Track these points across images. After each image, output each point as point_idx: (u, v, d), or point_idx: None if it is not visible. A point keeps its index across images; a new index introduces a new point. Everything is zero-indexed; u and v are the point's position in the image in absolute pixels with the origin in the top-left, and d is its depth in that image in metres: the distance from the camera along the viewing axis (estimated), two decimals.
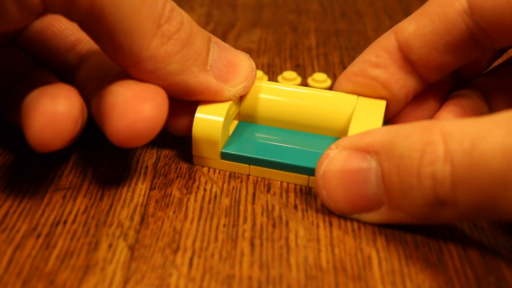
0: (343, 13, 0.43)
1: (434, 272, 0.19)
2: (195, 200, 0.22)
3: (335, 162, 0.20)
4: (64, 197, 0.22)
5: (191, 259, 0.19)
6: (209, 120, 0.23)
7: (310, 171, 0.23)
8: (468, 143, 0.17)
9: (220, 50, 0.23)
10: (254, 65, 0.24)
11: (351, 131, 0.22)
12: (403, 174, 0.19)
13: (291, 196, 0.23)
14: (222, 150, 0.23)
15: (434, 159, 0.18)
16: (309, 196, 0.23)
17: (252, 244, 0.20)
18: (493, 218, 0.20)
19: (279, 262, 0.19)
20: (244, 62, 0.24)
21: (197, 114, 0.23)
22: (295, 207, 0.22)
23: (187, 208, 0.22)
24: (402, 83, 0.24)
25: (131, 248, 0.20)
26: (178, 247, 0.20)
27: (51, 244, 0.20)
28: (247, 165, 0.23)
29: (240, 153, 0.23)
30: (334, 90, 0.25)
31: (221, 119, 0.23)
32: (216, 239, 0.20)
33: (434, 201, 0.18)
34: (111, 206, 0.22)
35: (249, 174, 0.24)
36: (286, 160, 0.23)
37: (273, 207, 0.22)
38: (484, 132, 0.17)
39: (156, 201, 0.22)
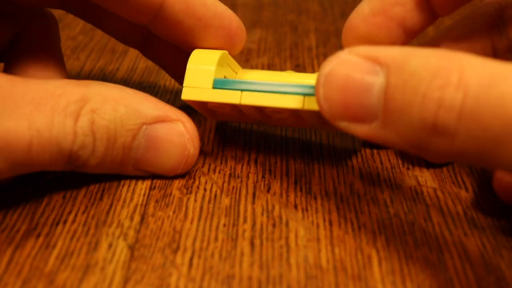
0: (343, 13, 0.43)
1: (434, 272, 0.19)
2: (195, 200, 0.22)
3: (343, 65, 0.19)
4: (64, 197, 0.22)
5: (191, 259, 0.19)
6: (208, 51, 0.24)
7: (306, 92, 0.21)
8: (487, 78, 0.16)
9: None
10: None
11: None
12: (408, 91, 0.18)
13: (291, 196, 0.23)
14: (215, 78, 0.23)
15: (446, 84, 0.17)
16: (309, 196, 0.23)
17: (252, 244, 0.20)
18: (485, 164, 0.19)
19: (279, 262, 0.19)
20: None
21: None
22: (295, 207, 0.22)
23: (187, 208, 0.22)
24: (417, 19, 0.23)
25: (131, 248, 0.20)
26: (178, 247, 0.20)
27: (51, 244, 0.20)
28: (239, 92, 0.22)
29: (233, 80, 0.23)
30: (345, 39, 0.24)
31: (220, 52, 0.24)
32: (216, 239, 0.20)
33: (430, 126, 0.17)
34: (111, 206, 0.22)
35: (240, 103, 0.22)
36: (280, 83, 0.22)
37: (273, 207, 0.22)
38: (507, 74, 0.16)
39: (156, 201, 0.22)
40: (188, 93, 0.23)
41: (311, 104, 0.21)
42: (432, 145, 0.18)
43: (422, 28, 0.24)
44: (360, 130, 0.19)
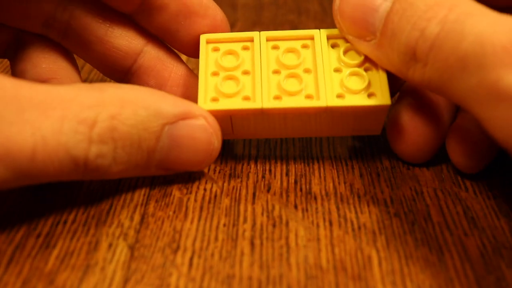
0: None
1: (434, 272, 0.19)
2: (195, 200, 0.22)
3: None
4: (64, 197, 0.22)
5: (191, 259, 0.19)
6: None
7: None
8: (462, 18, 0.19)
9: None
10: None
11: None
12: (403, 18, 0.20)
13: (291, 196, 0.23)
14: None
15: (432, 17, 0.19)
16: (309, 195, 0.23)
17: (252, 244, 0.20)
18: (444, 95, 0.21)
19: (279, 262, 0.19)
20: None
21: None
22: (295, 207, 0.22)
23: (187, 208, 0.22)
24: None
25: (131, 248, 0.20)
26: (178, 247, 0.20)
27: (51, 244, 0.20)
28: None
29: None
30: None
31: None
32: (216, 239, 0.20)
33: (411, 53, 0.20)
34: (111, 206, 0.22)
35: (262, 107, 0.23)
36: None
37: (273, 207, 0.22)
38: (478, 16, 0.19)
39: (156, 201, 0.22)
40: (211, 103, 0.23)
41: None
42: (410, 71, 0.21)
43: None
44: (361, 45, 0.23)
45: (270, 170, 0.24)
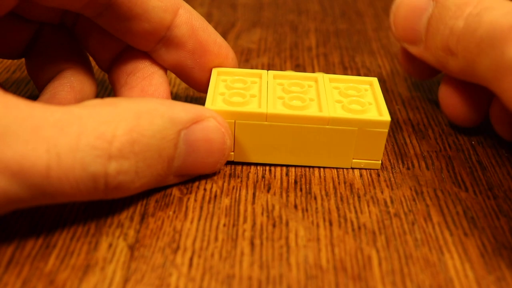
0: (343, 13, 0.43)
1: (434, 272, 0.19)
2: (195, 200, 0.22)
3: (403, 2, 0.26)
4: None
5: (191, 259, 0.19)
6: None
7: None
8: (482, 11, 0.22)
9: None
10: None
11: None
12: (439, 20, 0.24)
13: (291, 196, 0.23)
14: None
15: (460, 15, 0.23)
16: (309, 196, 0.23)
17: (252, 244, 0.20)
18: (475, 80, 0.23)
19: (279, 262, 0.19)
20: None
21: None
22: (295, 207, 0.22)
23: (187, 208, 0.22)
24: None
25: (131, 248, 0.20)
26: (178, 247, 0.20)
27: (51, 244, 0.20)
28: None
29: None
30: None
31: None
32: (216, 239, 0.20)
33: (447, 49, 0.23)
34: (111, 206, 0.22)
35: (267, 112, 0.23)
36: None
37: (273, 207, 0.22)
38: (497, 9, 0.21)
39: (156, 201, 0.22)
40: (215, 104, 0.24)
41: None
42: (449, 64, 0.24)
43: None
44: (413, 50, 0.26)
45: (270, 170, 0.24)
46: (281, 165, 0.25)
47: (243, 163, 0.25)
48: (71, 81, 0.25)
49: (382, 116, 0.23)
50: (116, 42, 0.26)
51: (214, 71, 0.26)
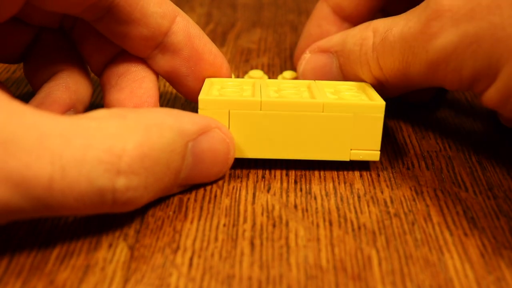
0: None
1: (434, 272, 0.19)
2: (195, 200, 0.22)
3: (309, 62, 0.28)
4: None
5: (191, 259, 0.19)
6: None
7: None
8: (384, 35, 0.24)
9: None
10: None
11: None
12: (352, 64, 0.26)
13: (291, 196, 0.23)
14: None
15: (367, 49, 0.25)
16: (309, 196, 0.23)
17: (252, 244, 0.20)
18: (416, 86, 0.26)
19: (279, 262, 0.19)
20: None
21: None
22: (295, 207, 0.22)
23: (187, 208, 0.22)
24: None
25: (131, 248, 0.20)
26: (178, 247, 0.20)
27: (51, 244, 0.20)
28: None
29: None
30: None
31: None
32: (216, 239, 0.20)
33: (374, 80, 0.26)
34: None
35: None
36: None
37: (273, 207, 0.22)
38: (393, 24, 0.24)
39: (156, 201, 0.22)
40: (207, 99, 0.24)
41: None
42: (387, 89, 0.26)
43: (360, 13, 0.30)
44: None
45: (270, 170, 0.24)
46: (281, 165, 0.25)
47: (243, 164, 0.25)
48: (67, 81, 0.25)
49: (376, 101, 0.23)
50: (111, 47, 0.26)
51: (207, 81, 0.26)
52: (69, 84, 0.25)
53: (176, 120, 0.20)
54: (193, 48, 0.25)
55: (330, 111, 0.23)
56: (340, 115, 0.23)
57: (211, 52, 0.26)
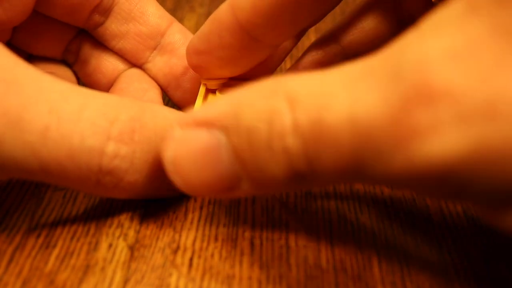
0: (343, 12, 0.43)
1: (434, 272, 0.19)
2: (195, 200, 0.22)
3: (183, 144, 0.17)
4: (64, 197, 0.22)
5: (191, 259, 0.19)
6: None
7: None
8: (314, 113, 0.15)
9: None
10: None
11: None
12: (255, 149, 0.16)
13: (291, 196, 0.23)
14: None
15: (283, 132, 0.15)
16: (309, 196, 0.23)
17: (252, 244, 0.20)
18: (362, 182, 0.18)
19: (279, 262, 0.19)
20: None
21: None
22: (295, 207, 0.22)
23: (187, 208, 0.22)
24: (249, 57, 0.23)
25: (131, 248, 0.20)
26: (178, 247, 0.20)
27: (51, 244, 0.20)
28: None
29: None
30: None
31: None
32: (216, 239, 0.20)
33: (293, 175, 0.16)
34: (111, 206, 0.22)
35: None
36: None
37: (273, 207, 0.22)
38: (330, 97, 0.15)
39: (156, 201, 0.22)
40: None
41: None
42: (307, 186, 0.21)
43: (264, 57, 0.23)
44: (236, 195, 0.18)
45: None
46: None
47: None
48: None
49: None
50: (113, 66, 0.27)
51: (203, 87, 0.25)
52: None
53: (172, 112, 0.21)
54: (172, 76, 0.26)
55: None
56: None
57: (191, 79, 0.26)
